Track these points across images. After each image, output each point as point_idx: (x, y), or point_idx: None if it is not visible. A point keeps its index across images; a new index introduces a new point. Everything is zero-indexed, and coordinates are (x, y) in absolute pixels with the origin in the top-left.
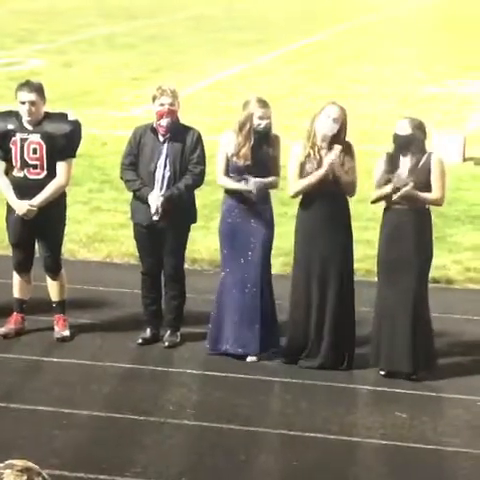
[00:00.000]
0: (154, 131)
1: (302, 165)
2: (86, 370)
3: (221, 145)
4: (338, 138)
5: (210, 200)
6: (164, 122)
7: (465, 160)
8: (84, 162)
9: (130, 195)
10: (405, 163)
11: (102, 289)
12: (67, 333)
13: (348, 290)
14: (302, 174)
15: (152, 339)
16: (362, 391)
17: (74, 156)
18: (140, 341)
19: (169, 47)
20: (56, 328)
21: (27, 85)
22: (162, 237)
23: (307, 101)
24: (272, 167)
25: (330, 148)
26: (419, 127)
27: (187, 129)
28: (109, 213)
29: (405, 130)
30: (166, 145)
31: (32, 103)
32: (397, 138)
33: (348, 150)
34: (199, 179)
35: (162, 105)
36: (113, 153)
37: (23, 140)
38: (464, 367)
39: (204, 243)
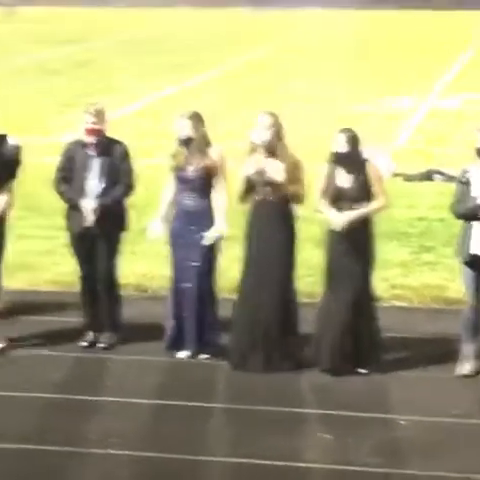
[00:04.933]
0: (85, 146)
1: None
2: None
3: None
4: (275, 143)
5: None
6: (88, 139)
7: (394, 176)
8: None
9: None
10: (344, 176)
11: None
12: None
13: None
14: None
15: (95, 341)
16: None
17: (15, 177)
18: (84, 344)
19: (98, 72)
20: None
21: None
22: (95, 243)
23: (238, 122)
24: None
25: (270, 156)
26: (355, 140)
27: (114, 143)
28: (33, 240)
29: (343, 147)
30: (96, 159)
31: None
32: (335, 155)
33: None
34: (129, 189)
35: (87, 123)
36: (42, 181)
37: None
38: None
39: (131, 268)
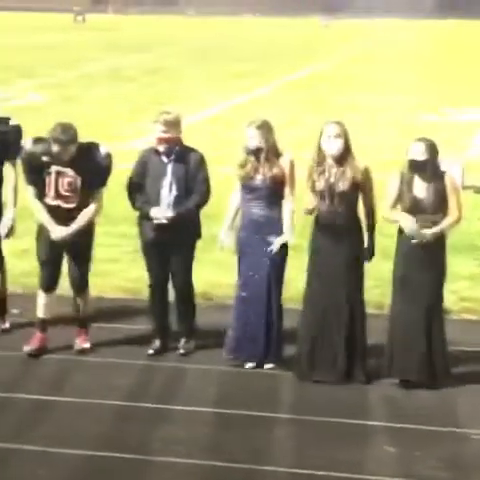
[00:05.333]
0: (159, 153)
1: (313, 182)
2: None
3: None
4: (346, 152)
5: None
6: (161, 148)
7: (464, 188)
8: None
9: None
10: (421, 186)
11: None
12: (87, 345)
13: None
14: (313, 189)
15: (162, 349)
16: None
17: (105, 185)
18: (151, 351)
19: (168, 79)
20: (77, 340)
21: (62, 131)
22: (169, 252)
23: (306, 131)
24: (284, 186)
25: (339, 166)
26: (433, 149)
27: (190, 151)
28: (103, 247)
29: (421, 155)
30: (170, 166)
31: (66, 150)
32: (414, 163)
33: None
34: (205, 198)
35: (158, 132)
36: (110, 187)
37: (58, 173)
38: None
39: (197, 276)
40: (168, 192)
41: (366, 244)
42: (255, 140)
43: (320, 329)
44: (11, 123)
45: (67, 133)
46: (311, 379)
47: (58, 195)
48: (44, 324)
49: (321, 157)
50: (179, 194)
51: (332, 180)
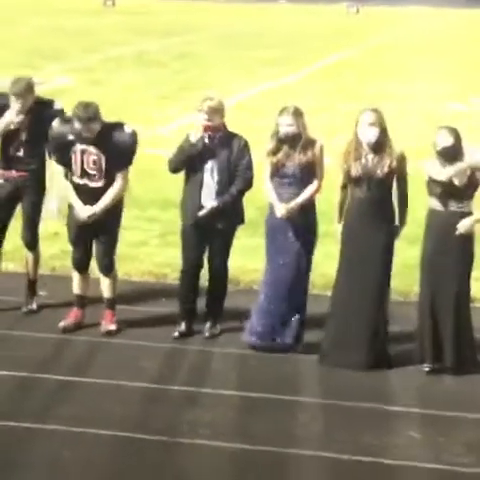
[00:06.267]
0: (203, 138)
1: (348, 169)
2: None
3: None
4: (383, 139)
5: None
6: (205, 135)
7: None
8: None
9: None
10: (448, 170)
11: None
12: (113, 327)
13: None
14: (347, 176)
15: (187, 332)
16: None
17: (131, 164)
18: (176, 334)
19: (197, 65)
20: (103, 322)
21: (84, 109)
22: (209, 236)
23: (336, 118)
24: (313, 172)
25: (376, 153)
26: (457, 135)
27: (233, 136)
28: (131, 231)
29: (448, 141)
30: (214, 151)
31: (88, 127)
32: (442, 150)
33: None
34: (249, 184)
35: (201, 120)
36: (138, 172)
37: (83, 151)
38: None
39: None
40: (211, 177)
41: (398, 224)
42: (292, 127)
43: (347, 314)
44: (55, 107)
45: (88, 111)
46: (334, 363)
47: (84, 173)
48: (81, 300)
49: (358, 144)
50: (222, 179)
51: (370, 166)
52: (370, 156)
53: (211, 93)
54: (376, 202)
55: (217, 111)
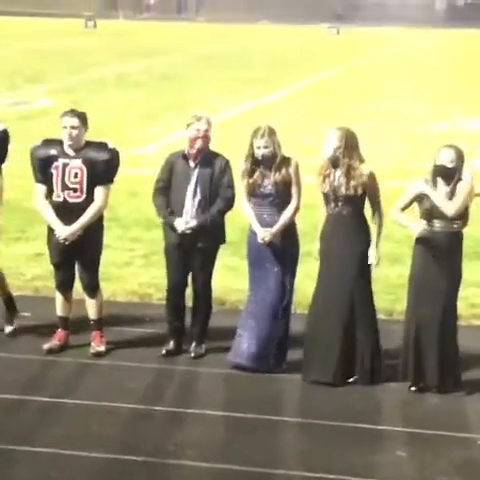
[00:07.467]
0: (185, 157)
1: (320, 186)
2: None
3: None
4: (345, 157)
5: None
6: (198, 144)
7: (476, 195)
8: None
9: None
10: (443, 192)
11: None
12: (102, 348)
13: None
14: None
15: (175, 351)
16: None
17: (112, 181)
18: (163, 352)
19: (179, 86)
20: (92, 344)
21: (71, 111)
22: (191, 256)
23: (318, 137)
24: (290, 192)
25: (335, 167)
26: (461, 156)
27: (216, 156)
28: (115, 251)
29: (452, 162)
30: (196, 171)
31: (73, 127)
32: (441, 169)
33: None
34: (230, 203)
35: (197, 130)
36: (122, 192)
37: (65, 165)
38: None
39: None
40: (192, 196)
41: (372, 248)
42: (268, 149)
43: (323, 331)
44: None
45: (76, 111)
46: (309, 379)
47: (64, 187)
48: (65, 321)
49: (326, 162)
50: (203, 198)
51: (336, 184)
52: (337, 174)
53: (199, 112)
54: (345, 217)
55: (211, 125)
